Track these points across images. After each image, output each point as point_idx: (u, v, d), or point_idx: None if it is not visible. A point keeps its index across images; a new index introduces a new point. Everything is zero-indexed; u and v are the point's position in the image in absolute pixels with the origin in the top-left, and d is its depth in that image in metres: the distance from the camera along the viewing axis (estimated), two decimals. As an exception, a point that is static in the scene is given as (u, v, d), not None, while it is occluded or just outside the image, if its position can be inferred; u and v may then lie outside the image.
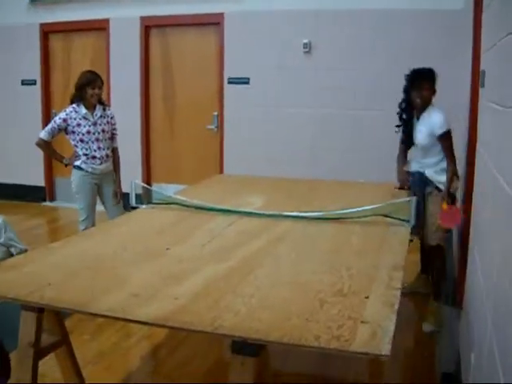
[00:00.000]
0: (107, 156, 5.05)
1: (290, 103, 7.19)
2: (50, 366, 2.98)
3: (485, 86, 3.38)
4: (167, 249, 2.82)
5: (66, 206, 8.20)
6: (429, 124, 4.37)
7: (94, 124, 4.93)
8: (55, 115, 5.18)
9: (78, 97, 4.91)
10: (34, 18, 8.33)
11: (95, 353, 3.82)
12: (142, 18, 7.75)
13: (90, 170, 4.96)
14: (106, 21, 7.91)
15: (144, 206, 3.85)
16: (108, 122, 5.04)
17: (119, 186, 5.18)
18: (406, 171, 4.69)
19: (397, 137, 4.80)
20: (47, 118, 8.20)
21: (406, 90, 4.51)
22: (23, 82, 8.55)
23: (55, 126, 4.90)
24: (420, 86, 4.37)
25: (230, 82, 7.44)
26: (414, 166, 4.63)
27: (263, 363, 2.06)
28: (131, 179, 4.00)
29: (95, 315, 2.11)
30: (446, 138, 4.34)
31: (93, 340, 4.01)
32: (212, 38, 7.59)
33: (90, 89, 4.86)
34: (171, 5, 7.56)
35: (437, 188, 4.44)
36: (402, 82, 4.55)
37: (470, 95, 4.67)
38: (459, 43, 6.13)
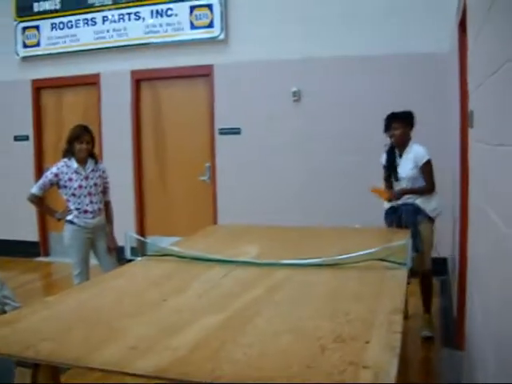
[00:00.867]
0: (99, 210, 5.04)
1: (280, 152, 7.23)
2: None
3: (473, 127, 3.41)
4: (164, 300, 2.78)
5: (60, 261, 8.12)
6: (413, 157, 4.95)
7: (86, 178, 4.94)
8: (47, 170, 5.19)
9: (69, 151, 4.93)
10: (25, 75, 8.42)
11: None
12: (133, 72, 7.84)
13: (82, 224, 4.95)
14: (97, 75, 8.00)
15: (139, 259, 3.83)
16: (100, 176, 5.05)
17: (113, 240, 5.16)
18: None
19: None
20: (40, 173, 8.17)
21: (384, 132, 5.08)
22: (16, 138, 8.60)
23: (47, 180, 4.90)
24: (391, 126, 5.00)
25: (221, 133, 7.49)
26: (401, 199, 5.03)
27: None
28: (125, 232, 3.99)
29: (92, 369, 2.07)
30: (427, 166, 4.93)
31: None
32: (202, 89, 7.66)
33: (78, 143, 4.88)
34: (161, 58, 7.66)
35: (427, 216, 4.97)
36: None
37: (460, 136, 4.71)
38: (446, 85, 6.22)
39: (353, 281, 3.18)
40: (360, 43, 6.76)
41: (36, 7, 8.26)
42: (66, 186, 4.91)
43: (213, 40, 7.39)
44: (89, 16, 7.97)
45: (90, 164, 5.00)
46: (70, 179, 4.89)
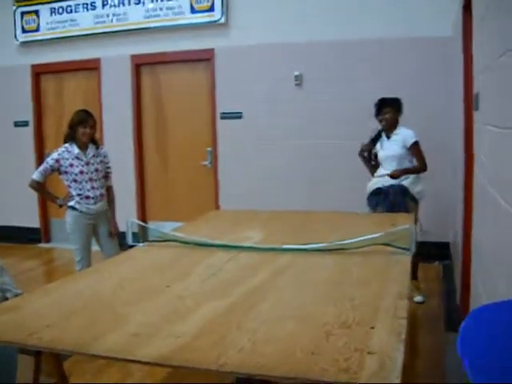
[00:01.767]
0: (101, 195, 5.01)
1: (282, 135, 7.19)
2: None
3: (479, 109, 3.37)
4: (167, 286, 2.77)
5: (61, 247, 8.12)
6: (401, 138, 5.29)
7: (87, 164, 4.90)
8: (48, 156, 5.16)
9: (71, 136, 4.89)
10: (24, 60, 8.37)
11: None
12: (133, 57, 7.79)
13: (84, 210, 4.92)
14: (97, 60, 7.95)
15: (141, 244, 3.80)
16: (101, 161, 5.01)
17: (115, 225, 5.14)
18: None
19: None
20: (40, 158, 8.18)
21: (375, 116, 5.45)
22: (16, 124, 8.56)
23: (48, 166, 4.87)
24: (383, 111, 5.36)
25: (222, 117, 7.45)
26: (386, 181, 5.28)
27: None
28: (126, 217, 3.96)
29: (95, 356, 2.05)
30: (417, 146, 5.25)
31: (94, 380, 3.93)
32: (203, 73, 7.62)
33: (82, 128, 4.84)
34: (161, 42, 7.60)
35: (413, 199, 5.26)
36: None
37: (464, 119, 4.68)
38: (449, 69, 6.18)
39: (357, 266, 3.16)
40: (363, 27, 6.70)
41: (35, -8, 8.19)
42: (67, 172, 4.88)
43: (213, 24, 7.33)
44: (88, 0, 7.90)
45: (91, 149, 4.96)
46: (71, 165, 4.86)
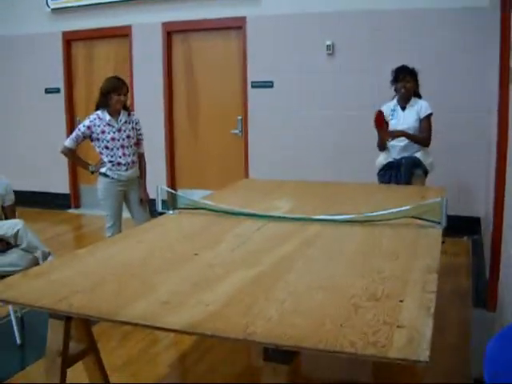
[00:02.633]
0: (133, 162, 5.02)
1: (313, 105, 7.14)
2: (77, 372, 2.94)
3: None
4: (196, 254, 2.78)
5: (91, 213, 8.22)
6: (416, 110, 5.25)
7: (119, 130, 4.91)
8: (79, 122, 5.17)
9: (103, 103, 4.89)
10: (56, 27, 8.37)
11: (122, 360, 3.79)
12: (164, 24, 7.75)
13: (115, 176, 4.94)
14: (128, 27, 7.92)
15: (171, 212, 3.81)
16: (133, 128, 5.01)
17: (145, 192, 5.16)
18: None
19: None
20: (71, 125, 8.24)
21: (393, 83, 5.38)
22: (47, 91, 8.60)
23: (79, 133, 4.89)
24: (404, 78, 5.25)
25: (253, 86, 7.41)
26: (398, 153, 5.31)
27: (295, 370, 2.00)
28: (156, 185, 3.97)
29: (125, 323, 2.07)
30: (428, 119, 5.23)
31: (119, 347, 3.99)
32: (234, 42, 7.57)
33: (116, 95, 4.84)
34: (192, 10, 7.55)
35: (425, 170, 5.26)
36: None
37: (499, 92, 4.60)
38: (485, 40, 6.06)
39: (386, 238, 3.15)
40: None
41: (67, -43, 8.17)
42: (98, 139, 4.90)
43: (246, -8, 7.27)
44: (121, -33, 7.87)
45: (123, 116, 4.96)
46: (103, 132, 4.87)
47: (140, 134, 5.11)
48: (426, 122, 5.21)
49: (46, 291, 2.30)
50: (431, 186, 4.93)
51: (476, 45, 6.29)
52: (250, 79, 7.43)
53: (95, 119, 4.88)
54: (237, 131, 7.68)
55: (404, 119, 5.29)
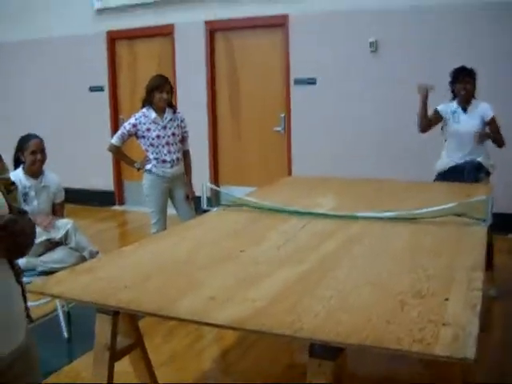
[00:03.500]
0: (178, 159, 5.06)
1: (356, 103, 7.09)
2: (123, 366, 2.99)
3: None
4: (241, 251, 2.80)
5: (135, 210, 8.29)
6: (478, 112, 5.08)
7: (164, 128, 4.95)
8: (123, 121, 5.23)
9: (148, 101, 4.95)
10: (101, 27, 8.48)
11: (168, 355, 3.84)
12: (207, 23, 7.79)
13: (160, 173, 4.98)
14: (171, 26, 7.98)
15: (215, 209, 3.84)
16: (178, 126, 5.05)
17: (191, 189, 5.19)
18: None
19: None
20: (115, 123, 8.34)
21: (451, 84, 5.24)
22: (91, 89, 8.71)
23: (125, 131, 4.95)
24: (464, 80, 5.11)
25: (296, 83, 7.40)
26: (461, 158, 5.15)
27: (342, 366, 2.00)
28: (199, 181, 4.00)
29: (173, 319, 2.10)
30: (495, 120, 5.05)
31: (165, 342, 4.03)
32: (277, 39, 7.57)
33: (158, 93, 4.89)
34: (235, 8, 7.56)
35: (488, 173, 5.13)
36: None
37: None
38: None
39: (431, 236, 3.14)
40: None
41: (112, -43, 8.27)
42: (144, 136, 4.95)
43: (289, -11, 7.27)
44: (164, -34, 7.93)
45: (169, 114, 5.01)
46: (148, 129, 4.92)
47: (185, 132, 5.14)
48: (494, 123, 5.06)
49: (93, 287, 2.35)
50: (476, 185, 4.87)
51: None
52: (292, 76, 7.41)
53: (141, 117, 4.94)
54: (279, 128, 7.68)
55: (468, 122, 5.13)
